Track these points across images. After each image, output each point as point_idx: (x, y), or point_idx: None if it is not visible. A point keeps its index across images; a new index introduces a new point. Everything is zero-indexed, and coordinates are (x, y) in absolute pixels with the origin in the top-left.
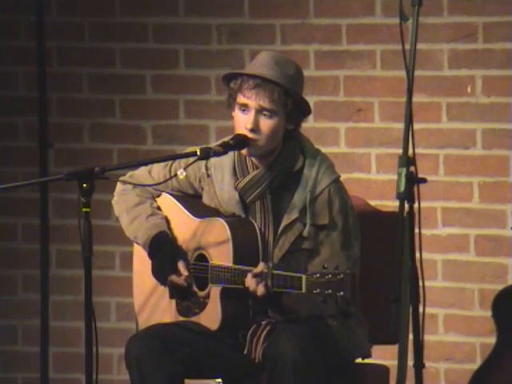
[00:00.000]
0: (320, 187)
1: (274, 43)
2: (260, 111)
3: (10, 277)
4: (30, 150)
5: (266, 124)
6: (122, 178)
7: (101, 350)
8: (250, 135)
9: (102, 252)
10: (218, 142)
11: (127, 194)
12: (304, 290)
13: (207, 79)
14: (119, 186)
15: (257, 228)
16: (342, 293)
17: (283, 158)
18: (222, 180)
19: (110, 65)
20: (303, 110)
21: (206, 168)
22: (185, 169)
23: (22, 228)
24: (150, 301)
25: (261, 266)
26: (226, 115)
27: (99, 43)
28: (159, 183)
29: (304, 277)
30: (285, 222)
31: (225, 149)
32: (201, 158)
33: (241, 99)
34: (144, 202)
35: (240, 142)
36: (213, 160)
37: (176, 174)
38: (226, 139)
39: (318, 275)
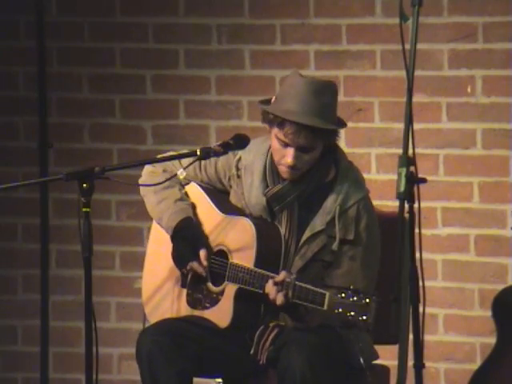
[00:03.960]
0: (350, 202)
1: (273, 43)
2: (299, 148)
3: (10, 277)
4: (30, 150)
5: (306, 158)
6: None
7: (101, 350)
8: (290, 170)
9: (101, 252)
10: (218, 143)
11: (156, 176)
12: (326, 308)
13: (207, 79)
14: (148, 168)
15: (282, 234)
16: (364, 317)
17: (316, 170)
18: (251, 184)
19: (110, 65)
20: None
21: (237, 169)
22: (184, 169)
23: (22, 228)
24: (160, 287)
25: (283, 275)
26: (226, 115)
27: (99, 43)
28: (160, 183)
29: (328, 294)
30: (310, 231)
31: (225, 149)
32: (201, 158)
33: (279, 135)
34: (173, 186)
35: (240, 141)
36: (244, 161)
37: (176, 174)
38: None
39: (343, 295)
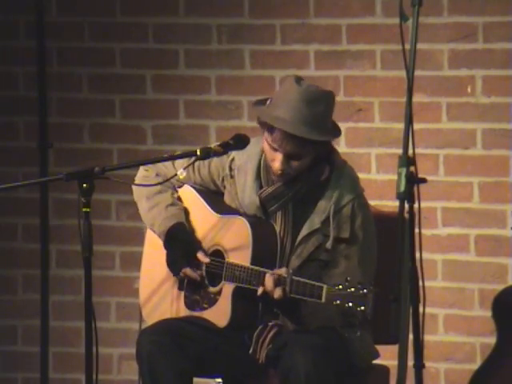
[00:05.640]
0: (344, 200)
1: (273, 43)
2: (287, 155)
3: (10, 277)
4: (30, 150)
5: (295, 165)
6: (142, 167)
7: (101, 350)
8: (280, 175)
9: (101, 252)
10: (218, 143)
11: (149, 181)
12: (323, 300)
13: (207, 79)
14: (141, 172)
15: (277, 232)
16: (362, 308)
17: (310, 171)
18: (244, 183)
19: (110, 65)
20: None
21: (230, 169)
22: (184, 169)
23: (22, 228)
24: (157, 289)
25: (281, 270)
26: (226, 115)
27: (99, 43)
28: (160, 183)
29: (325, 287)
30: (305, 231)
31: (224, 149)
32: (201, 158)
33: (269, 140)
34: (165, 191)
35: (240, 141)
36: (237, 162)
37: (176, 175)
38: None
39: (340, 287)
